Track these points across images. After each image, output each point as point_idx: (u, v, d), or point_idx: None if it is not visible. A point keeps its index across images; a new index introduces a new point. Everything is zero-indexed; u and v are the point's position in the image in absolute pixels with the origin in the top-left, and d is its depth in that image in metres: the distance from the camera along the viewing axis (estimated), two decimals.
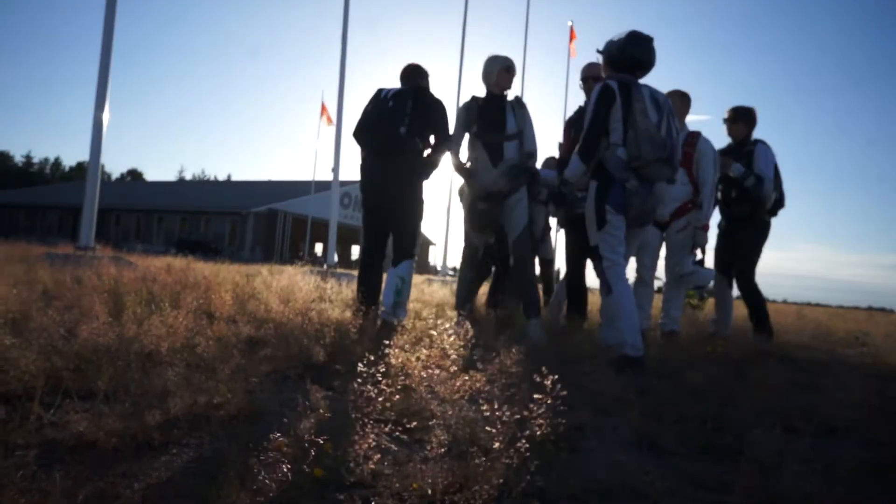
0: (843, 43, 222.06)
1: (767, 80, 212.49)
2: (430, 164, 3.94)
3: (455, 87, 14.91)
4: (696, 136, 4.42)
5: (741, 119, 4.78)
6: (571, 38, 21.15)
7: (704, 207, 4.31)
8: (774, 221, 4.81)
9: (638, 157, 3.07)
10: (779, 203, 4.85)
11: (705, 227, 4.34)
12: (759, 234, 4.74)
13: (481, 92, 4.19)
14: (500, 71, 4.09)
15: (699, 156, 4.35)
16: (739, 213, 4.71)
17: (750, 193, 4.57)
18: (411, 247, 3.93)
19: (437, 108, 3.90)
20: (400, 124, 3.70)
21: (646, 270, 4.54)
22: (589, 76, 4.31)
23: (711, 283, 4.74)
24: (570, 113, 5.03)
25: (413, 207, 3.97)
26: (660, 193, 3.32)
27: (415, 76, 4.09)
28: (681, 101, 4.47)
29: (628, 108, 3.10)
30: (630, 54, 3.25)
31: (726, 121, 4.82)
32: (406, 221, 3.95)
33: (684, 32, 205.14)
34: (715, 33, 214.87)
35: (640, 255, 4.53)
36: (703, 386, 2.74)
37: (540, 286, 6.19)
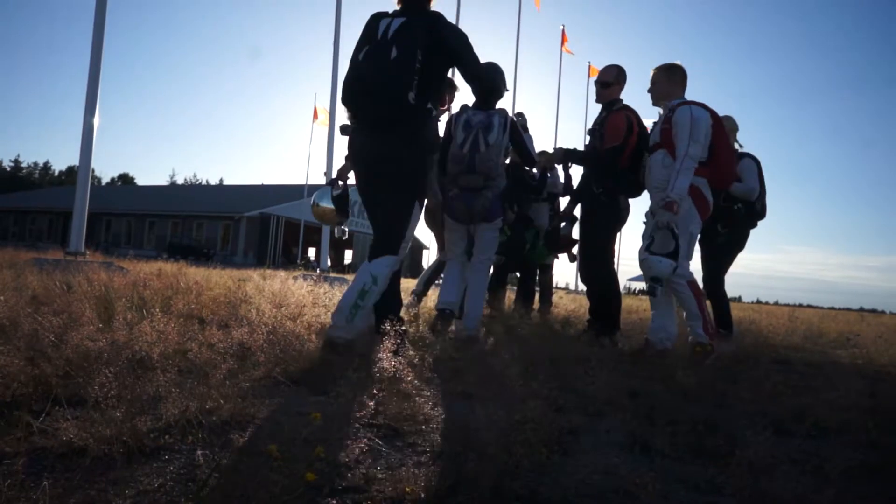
0: (840, 45, 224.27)
1: (764, 81, 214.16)
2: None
3: None
4: (675, 110, 3.85)
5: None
6: (563, 41, 21.30)
7: (671, 181, 3.66)
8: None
9: (447, 172, 3.85)
10: (760, 214, 4.71)
11: (667, 205, 3.62)
12: (733, 246, 4.64)
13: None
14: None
15: (674, 128, 3.76)
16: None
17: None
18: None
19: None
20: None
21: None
22: (599, 81, 4.42)
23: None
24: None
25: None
26: (487, 195, 3.80)
27: None
28: (666, 75, 3.98)
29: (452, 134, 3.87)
30: (477, 85, 3.51)
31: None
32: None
33: (678, 33, 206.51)
34: (709, 34, 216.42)
35: None
36: (695, 388, 2.75)
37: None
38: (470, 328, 3.75)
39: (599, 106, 4.44)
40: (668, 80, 3.96)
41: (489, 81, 3.41)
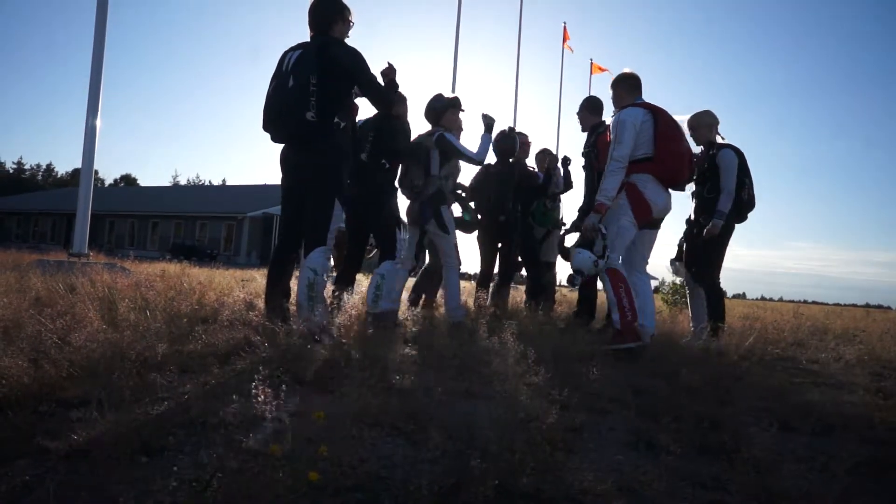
0: (844, 44, 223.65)
1: (768, 79, 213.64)
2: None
3: (449, 86, 14.92)
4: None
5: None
6: (565, 38, 21.27)
7: (600, 184, 3.84)
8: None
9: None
10: (748, 205, 4.66)
11: (595, 207, 3.82)
12: (721, 237, 4.55)
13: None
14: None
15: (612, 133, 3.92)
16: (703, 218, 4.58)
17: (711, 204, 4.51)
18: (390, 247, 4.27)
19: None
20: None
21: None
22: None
23: (587, 269, 3.88)
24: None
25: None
26: (415, 203, 4.50)
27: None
28: (613, 88, 4.24)
29: None
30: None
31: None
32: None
33: (681, 31, 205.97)
34: (714, 31, 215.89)
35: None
36: (700, 385, 2.74)
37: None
38: (455, 317, 4.40)
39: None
40: (616, 93, 4.22)
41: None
